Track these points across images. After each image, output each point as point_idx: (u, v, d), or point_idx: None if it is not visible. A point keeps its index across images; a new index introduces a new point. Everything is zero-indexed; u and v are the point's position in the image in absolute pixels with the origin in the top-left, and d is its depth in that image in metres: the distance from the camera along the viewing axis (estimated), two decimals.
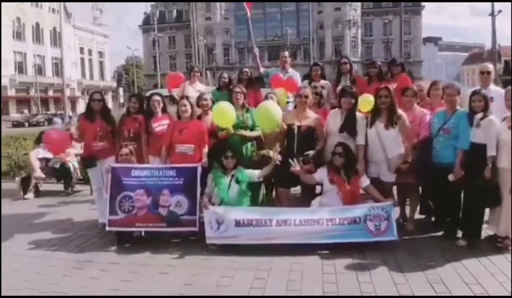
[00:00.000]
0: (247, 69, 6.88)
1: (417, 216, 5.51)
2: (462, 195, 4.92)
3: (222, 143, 5.26)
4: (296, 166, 4.85)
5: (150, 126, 5.53)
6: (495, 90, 5.39)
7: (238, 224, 4.62)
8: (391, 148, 5.02)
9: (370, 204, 4.72)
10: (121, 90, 70.22)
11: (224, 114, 5.12)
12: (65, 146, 7.39)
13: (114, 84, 74.23)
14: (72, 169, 8.08)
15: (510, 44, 65.45)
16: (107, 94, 71.17)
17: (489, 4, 31.16)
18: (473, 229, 4.86)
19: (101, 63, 71.97)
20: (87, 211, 6.77)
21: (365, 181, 4.87)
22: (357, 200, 4.83)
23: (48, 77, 57.79)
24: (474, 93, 4.85)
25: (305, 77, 6.99)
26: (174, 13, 79.01)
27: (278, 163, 4.86)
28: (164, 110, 5.72)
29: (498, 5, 30.79)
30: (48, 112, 51.11)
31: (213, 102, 5.69)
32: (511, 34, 59.96)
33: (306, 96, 5.19)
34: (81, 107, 53.91)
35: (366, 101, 5.45)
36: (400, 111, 5.07)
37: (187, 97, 5.52)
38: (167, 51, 77.65)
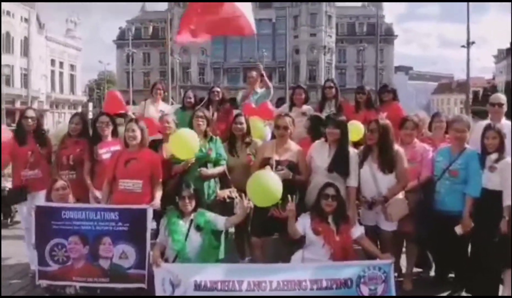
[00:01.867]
0: (218, 89, 6.03)
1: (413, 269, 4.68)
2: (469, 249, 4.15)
3: (178, 180, 4.30)
4: (276, 210, 3.90)
5: (95, 152, 4.54)
6: (508, 125, 4.61)
7: (198, 287, 3.56)
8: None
9: (364, 262, 3.81)
10: (90, 105, 68.18)
11: (184, 144, 4.15)
12: None
13: (85, 99, 72.11)
14: None
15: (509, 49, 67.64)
16: (77, 109, 69.13)
17: (458, 36, 31.84)
18: (482, 290, 4.06)
19: (72, 76, 69.82)
20: (23, 248, 5.60)
21: (357, 231, 3.96)
22: (349, 255, 3.88)
23: (16, 88, 55.39)
24: (488, 128, 4.09)
25: (279, 100, 6.21)
26: (150, 29, 78.38)
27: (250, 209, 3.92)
28: (114, 133, 4.73)
29: (471, 37, 31.31)
30: (13, 124, 48.76)
31: (177, 125, 4.78)
32: (511, 35, 61.59)
33: (286, 128, 4.29)
34: (49, 121, 51.82)
35: (355, 130, 4.71)
36: (397, 146, 4.28)
37: (136, 120, 4.46)
38: (141, 67, 76.65)
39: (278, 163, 4.17)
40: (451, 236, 4.07)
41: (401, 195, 4.23)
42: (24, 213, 4.77)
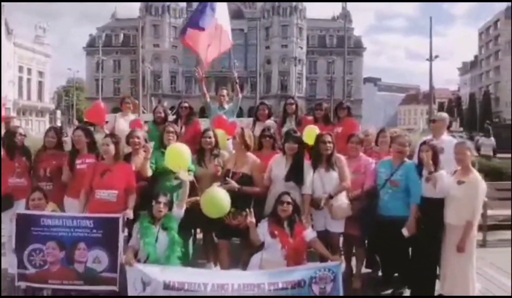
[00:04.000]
0: (186, 104, 6.41)
1: (363, 269, 5.18)
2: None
3: (151, 188, 4.67)
4: (230, 219, 4.42)
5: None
6: (448, 140, 5.21)
7: (167, 286, 3.94)
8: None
9: (316, 264, 4.28)
10: (59, 112, 67.01)
11: (180, 157, 4.52)
12: None
13: (53, 106, 70.66)
14: None
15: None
16: (45, 116, 67.63)
17: (425, 49, 33.23)
18: (422, 287, 4.60)
19: (40, 83, 68.19)
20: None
21: (310, 234, 4.42)
22: (302, 255, 4.36)
23: None
24: (423, 144, 4.67)
25: (251, 110, 6.67)
26: (121, 37, 77.86)
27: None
28: (91, 147, 5.06)
29: (434, 51, 32.82)
30: None
31: (146, 139, 5.13)
32: (511, 36, 63.53)
33: (241, 140, 4.77)
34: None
35: (311, 134, 5.18)
36: (337, 154, 4.85)
37: (112, 135, 4.83)
38: (112, 75, 75.91)
39: (233, 175, 4.65)
40: (394, 239, 4.56)
41: (345, 200, 4.76)
42: (7, 220, 4.99)
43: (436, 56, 33.78)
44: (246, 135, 4.80)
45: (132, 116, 6.63)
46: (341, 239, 5.21)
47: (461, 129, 50.32)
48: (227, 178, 4.64)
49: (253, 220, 4.39)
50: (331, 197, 4.69)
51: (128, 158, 4.95)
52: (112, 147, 4.56)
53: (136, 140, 5.01)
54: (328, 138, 4.79)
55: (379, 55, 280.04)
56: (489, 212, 6.70)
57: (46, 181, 4.95)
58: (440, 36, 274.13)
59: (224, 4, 6.91)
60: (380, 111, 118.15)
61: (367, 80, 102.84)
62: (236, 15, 71.73)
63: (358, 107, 74.05)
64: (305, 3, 74.80)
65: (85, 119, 6.25)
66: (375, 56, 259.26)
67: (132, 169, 4.75)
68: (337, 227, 4.80)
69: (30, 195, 4.51)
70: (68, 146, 5.31)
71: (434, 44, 33.62)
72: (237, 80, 7.03)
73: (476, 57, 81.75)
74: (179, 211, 4.46)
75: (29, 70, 64.90)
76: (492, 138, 17.10)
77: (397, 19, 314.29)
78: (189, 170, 4.73)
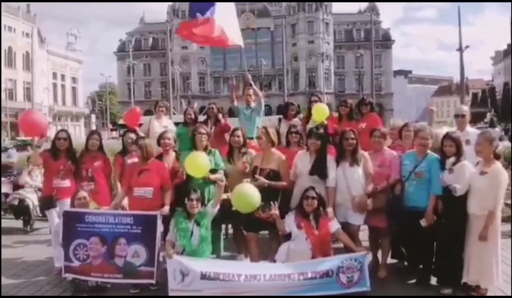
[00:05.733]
0: (213, 105, 6.73)
1: (389, 260, 5.33)
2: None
3: (185, 185, 4.99)
4: (260, 213, 4.69)
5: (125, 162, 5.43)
6: (473, 133, 5.31)
7: (204, 276, 4.28)
8: (356, 186, 4.90)
9: (343, 255, 4.51)
10: (93, 117, 69.14)
11: (198, 165, 4.79)
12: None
13: (87, 111, 73.04)
14: (31, 205, 7.73)
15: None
16: (80, 121, 70.08)
17: (455, 39, 32.39)
18: (447, 276, 4.72)
19: (74, 89, 70.76)
20: (44, 252, 6.29)
21: (334, 225, 4.66)
22: (327, 246, 4.61)
23: (19, 102, 56.35)
24: (446, 137, 4.79)
25: (279, 107, 6.93)
26: (150, 41, 79.38)
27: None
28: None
29: (465, 41, 31.96)
30: (17, 138, 49.65)
31: (176, 140, 5.51)
32: (510, 36, 61.95)
33: (267, 138, 4.99)
34: (52, 133, 52.26)
35: (320, 110, 5.51)
36: (361, 151, 5.03)
37: (139, 138, 5.26)
38: (142, 78, 77.56)
39: (261, 171, 4.92)
40: (419, 228, 4.70)
41: (366, 195, 4.93)
42: (53, 217, 5.46)
43: (467, 47, 32.89)
44: (270, 133, 5.04)
45: (165, 120, 7.00)
46: (367, 231, 5.38)
47: (496, 119, 48.83)
48: (255, 176, 4.90)
49: (277, 212, 4.65)
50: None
51: (160, 157, 5.30)
52: (145, 149, 4.91)
53: (167, 141, 5.37)
54: (351, 134, 4.98)
55: (409, 47, 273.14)
56: None
57: (88, 180, 5.38)
58: (470, 25, 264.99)
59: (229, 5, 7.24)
60: (412, 104, 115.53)
61: (398, 73, 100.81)
62: (262, 14, 72.16)
63: (389, 101, 73.14)
64: None
65: (120, 122, 6.68)
66: (405, 48, 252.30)
67: (165, 167, 5.11)
68: (357, 219, 4.98)
69: (75, 194, 4.94)
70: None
71: (465, 34, 33.01)
72: (251, 82, 7.24)
73: (509, 45, 78.86)
74: (213, 210, 4.76)
75: (63, 77, 67.36)
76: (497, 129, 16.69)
77: (426, 9, 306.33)
78: (217, 170, 5.05)
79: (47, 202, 5.52)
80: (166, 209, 4.77)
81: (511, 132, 30.55)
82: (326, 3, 72.82)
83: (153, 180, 4.88)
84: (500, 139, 21.37)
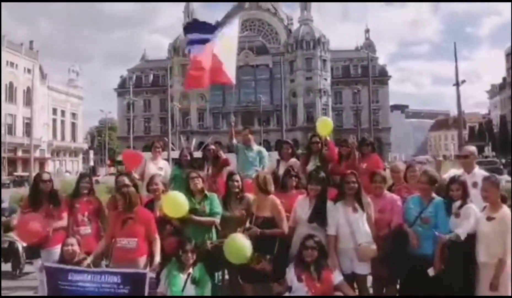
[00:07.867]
0: (212, 146, 6.58)
1: None
2: None
3: (179, 235, 4.79)
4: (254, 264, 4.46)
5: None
6: (480, 174, 5.04)
7: None
8: (361, 232, 4.65)
9: None
10: (91, 152, 69.14)
11: (174, 205, 4.68)
12: None
13: (86, 146, 73.10)
14: (20, 249, 7.44)
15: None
16: (78, 156, 69.98)
17: (450, 73, 32.66)
18: None
19: (73, 124, 71.06)
20: None
21: (337, 277, 4.38)
22: None
23: (18, 137, 56.46)
24: (453, 181, 4.62)
25: (278, 141, 6.77)
26: (151, 77, 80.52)
27: None
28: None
29: (461, 75, 31.90)
30: (15, 173, 49.35)
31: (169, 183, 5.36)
32: (511, 36, 62.63)
33: (259, 186, 4.78)
34: (50, 169, 52.12)
35: (324, 124, 5.44)
36: (365, 195, 4.81)
37: (124, 186, 5.08)
38: (142, 114, 78.23)
39: (256, 219, 4.70)
40: (427, 277, 4.45)
41: (371, 241, 4.66)
42: (38, 267, 5.15)
43: (463, 81, 32.71)
44: (261, 182, 4.79)
45: (161, 161, 6.85)
46: (371, 279, 5.12)
47: (493, 153, 48.78)
48: (247, 224, 4.70)
49: (270, 267, 4.45)
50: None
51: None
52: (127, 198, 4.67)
53: (155, 187, 5.21)
54: (352, 178, 4.77)
55: (405, 82, 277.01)
56: None
57: (84, 225, 5.17)
58: (466, 60, 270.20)
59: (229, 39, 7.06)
60: (409, 138, 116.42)
61: (394, 107, 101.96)
62: (260, 51, 73.58)
63: (387, 135, 73.41)
64: (327, 36, 75.65)
65: (119, 159, 6.56)
66: (401, 83, 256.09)
67: (151, 216, 4.84)
68: (364, 269, 4.70)
69: (64, 241, 4.68)
70: (99, 185, 5.59)
71: (461, 68, 33.19)
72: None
73: (504, 79, 79.90)
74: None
75: (63, 112, 67.74)
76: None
77: (421, 45, 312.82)
78: (214, 215, 4.89)
79: (33, 251, 5.24)
80: (156, 263, 4.49)
81: (511, 166, 30.51)
82: (323, 40, 74.30)
83: (137, 229, 4.60)
84: (500, 173, 21.25)
